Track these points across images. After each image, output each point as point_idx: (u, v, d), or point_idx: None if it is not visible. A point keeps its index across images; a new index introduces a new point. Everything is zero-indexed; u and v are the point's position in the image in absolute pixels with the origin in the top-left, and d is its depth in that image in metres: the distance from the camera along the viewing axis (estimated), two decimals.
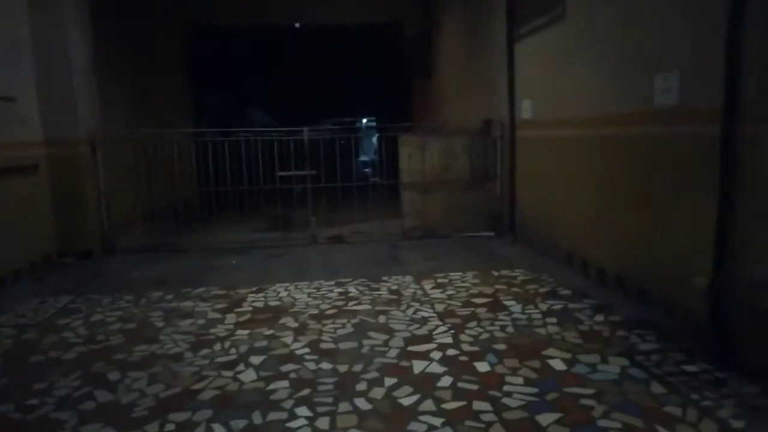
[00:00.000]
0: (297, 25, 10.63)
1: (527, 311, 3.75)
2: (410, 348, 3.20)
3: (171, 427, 2.42)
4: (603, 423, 2.33)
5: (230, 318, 3.82)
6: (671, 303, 3.44)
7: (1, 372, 3.05)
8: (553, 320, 3.56)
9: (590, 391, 2.60)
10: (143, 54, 8.57)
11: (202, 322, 3.76)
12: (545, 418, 2.38)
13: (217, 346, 3.32)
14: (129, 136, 6.57)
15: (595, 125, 4.32)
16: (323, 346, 3.28)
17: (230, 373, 2.93)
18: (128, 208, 6.51)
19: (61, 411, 2.59)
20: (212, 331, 3.58)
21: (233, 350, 3.25)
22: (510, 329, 3.44)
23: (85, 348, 3.36)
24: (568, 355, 3.01)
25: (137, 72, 8.24)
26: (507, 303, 3.94)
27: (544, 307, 3.83)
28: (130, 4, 8.11)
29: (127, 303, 4.23)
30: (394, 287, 4.45)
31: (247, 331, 3.55)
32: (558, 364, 2.91)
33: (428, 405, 2.54)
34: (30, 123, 5.42)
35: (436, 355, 3.09)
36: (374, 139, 13.48)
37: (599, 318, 3.57)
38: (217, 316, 3.88)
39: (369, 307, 3.97)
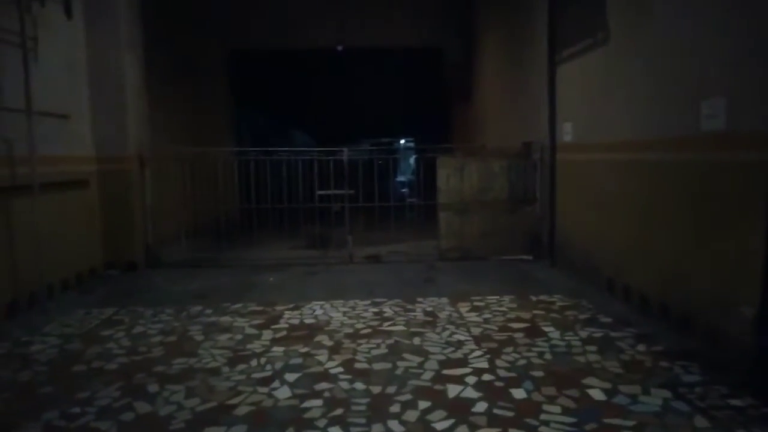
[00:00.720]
0: (339, 48, 10.83)
1: (566, 338, 3.67)
2: (445, 371, 3.17)
3: None
4: None
5: (267, 334, 3.86)
6: (717, 333, 3.32)
7: (46, 380, 3.15)
8: (593, 348, 3.47)
9: (631, 423, 2.52)
10: (190, 76, 8.88)
11: (239, 337, 3.82)
12: None
13: (254, 362, 3.36)
14: (175, 153, 6.78)
15: (638, 149, 4.25)
16: (357, 365, 3.28)
17: (265, 390, 2.96)
18: (172, 224, 6.70)
19: (101, 421, 2.66)
20: (249, 346, 3.63)
21: (269, 366, 3.28)
22: (548, 356, 3.37)
23: (127, 359, 3.45)
24: (608, 385, 2.92)
25: (184, 93, 8.53)
26: (545, 329, 3.87)
27: (583, 334, 3.74)
28: (180, 30, 8.44)
29: (168, 316, 4.33)
30: (430, 309, 4.42)
31: (282, 348, 3.58)
32: (597, 394, 2.83)
33: (462, 430, 2.50)
34: (83, 139, 5.67)
35: (471, 379, 3.05)
36: (412, 160, 13.55)
37: (641, 347, 3.47)
38: (254, 332, 3.93)
39: (404, 328, 3.96)
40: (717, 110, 3.31)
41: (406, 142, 17.31)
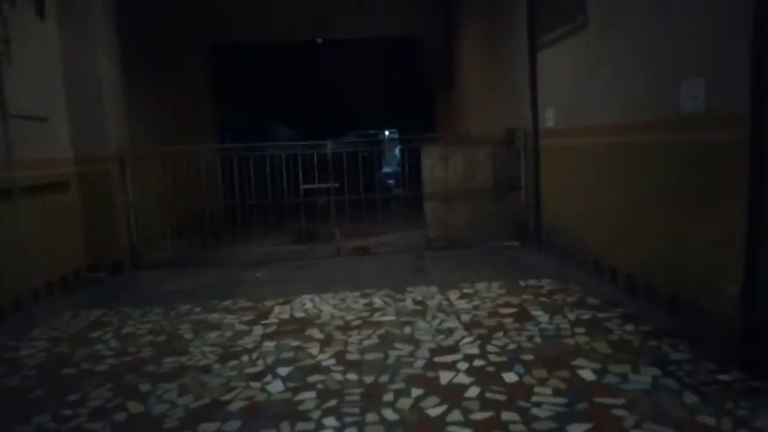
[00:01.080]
0: (319, 40, 10.77)
1: (555, 321, 3.71)
2: (436, 359, 3.19)
3: None
4: None
5: (257, 330, 3.86)
6: (703, 311, 3.37)
7: (36, 384, 3.12)
8: (582, 330, 3.51)
9: (621, 401, 2.56)
10: (170, 73, 8.77)
11: (229, 334, 3.80)
12: (575, 429, 2.35)
13: (245, 358, 3.35)
14: (156, 152, 6.71)
15: (620, 132, 4.29)
16: (349, 357, 3.29)
17: (258, 384, 2.96)
18: (156, 223, 6.63)
19: (94, 422, 2.64)
20: (239, 342, 3.62)
21: (260, 361, 3.28)
22: (538, 339, 3.40)
23: (117, 360, 3.42)
24: (597, 365, 2.96)
25: (164, 90, 8.43)
26: (534, 313, 3.90)
27: (572, 316, 3.79)
28: (158, 26, 8.33)
29: (156, 316, 4.30)
30: (419, 298, 4.44)
31: (273, 343, 3.58)
32: (588, 374, 2.87)
33: (456, 416, 2.53)
34: (61, 141, 5.58)
35: (463, 365, 3.07)
36: (397, 151, 13.54)
37: (629, 327, 3.51)
38: (244, 328, 3.92)
39: (394, 318, 3.97)
40: (696, 91, 3.34)
41: (391, 133, 17.28)
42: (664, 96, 3.66)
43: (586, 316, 3.77)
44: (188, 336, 3.80)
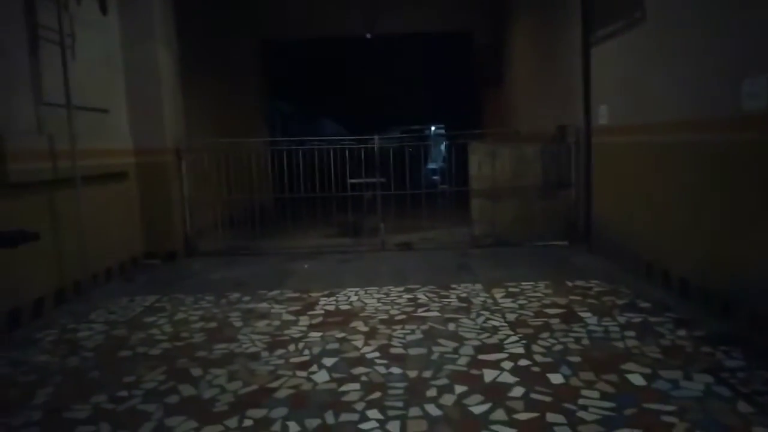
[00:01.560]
0: (368, 35, 10.81)
1: (604, 323, 3.63)
2: (480, 356, 3.17)
3: (249, 422, 2.53)
4: None
5: (303, 320, 3.93)
6: (759, 317, 3.24)
7: (94, 365, 3.27)
8: (632, 333, 3.43)
9: (671, 408, 2.49)
10: (223, 67, 8.99)
11: (277, 323, 3.89)
12: None
13: (292, 347, 3.42)
14: (210, 145, 6.90)
15: (677, 131, 4.15)
16: (393, 351, 3.32)
17: (304, 374, 3.02)
18: (209, 214, 6.83)
19: (147, 403, 2.75)
20: (287, 332, 3.70)
21: (306, 351, 3.34)
22: (585, 341, 3.34)
23: (170, 345, 3.55)
24: (648, 370, 2.89)
25: (218, 84, 8.65)
26: (582, 314, 3.83)
27: (622, 319, 3.70)
28: (213, 22, 8.55)
29: (208, 303, 4.44)
30: (464, 295, 4.42)
31: (319, 334, 3.64)
32: (637, 379, 2.80)
33: (500, 414, 2.51)
34: (121, 133, 5.82)
35: (507, 365, 3.05)
36: (443, 147, 13.47)
37: (682, 332, 3.41)
38: (291, 318, 4.00)
39: (438, 314, 3.98)
40: (759, 89, 3.21)
41: (437, 128, 17.20)
42: (724, 93, 3.52)
43: (636, 320, 3.67)
44: (238, 324, 3.91)
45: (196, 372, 3.09)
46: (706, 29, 3.77)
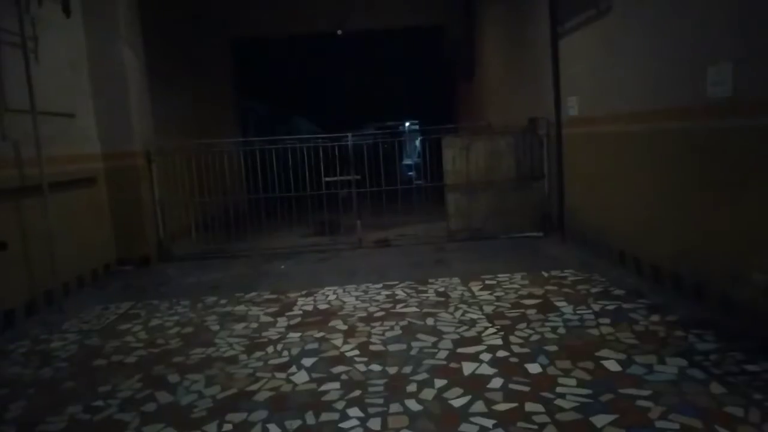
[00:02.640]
0: (339, 32, 10.76)
1: (579, 312, 3.68)
2: (459, 350, 3.19)
3: (228, 427, 2.50)
4: (661, 424, 2.27)
5: (281, 321, 3.91)
6: (730, 301, 3.32)
7: (68, 375, 3.21)
8: (607, 321, 3.48)
9: (647, 393, 2.54)
10: (192, 68, 8.86)
11: (254, 325, 3.86)
12: (600, 420, 2.34)
13: (270, 349, 3.40)
14: (181, 147, 6.80)
15: (645, 120, 4.22)
16: (372, 348, 3.32)
17: (283, 375, 3.00)
18: (182, 217, 6.74)
19: (124, 412, 2.71)
20: (265, 334, 3.67)
21: (285, 353, 3.32)
22: (561, 330, 3.39)
23: (146, 352, 3.50)
24: (623, 356, 2.94)
25: (187, 85, 8.53)
26: (558, 304, 3.88)
27: (596, 307, 3.75)
28: (180, 22, 8.42)
29: (183, 308, 4.38)
30: (441, 289, 4.44)
31: (298, 334, 3.62)
32: (612, 365, 2.85)
33: (479, 406, 2.53)
34: (88, 137, 5.70)
35: (486, 356, 3.07)
36: (417, 142, 13.50)
37: (655, 318, 3.47)
38: (269, 319, 3.97)
39: (416, 309, 3.99)
40: (723, 76, 3.27)
41: (411, 124, 17.23)
42: (690, 81, 3.59)
43: (610, 307, 3.73)
44: (215, 328, 3.86)
45: (173, 378, 3.05)
46: (671, 18, 3.83)
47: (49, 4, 4.91)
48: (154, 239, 6.24)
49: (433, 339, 3.38)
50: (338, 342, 3.44)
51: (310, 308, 4.17)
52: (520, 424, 2.36)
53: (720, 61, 3.30)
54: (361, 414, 2.54)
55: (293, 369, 3.08)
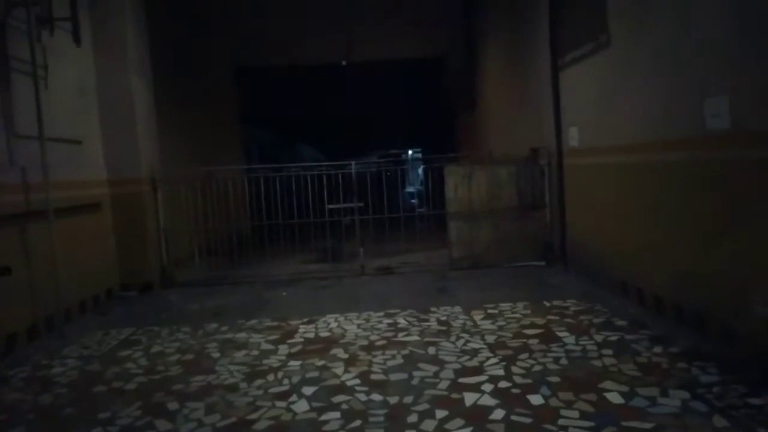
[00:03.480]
0: (343, 62, 10.93)
1: (581, 342, 3.67)
2: (461, 380, 3.18)
3: None
4: None
5: (282, 349, 3.89)
6: (733, 333, 3.31)
7: (68, 401, 3.19)
8: (609, 352, 3.47)
9: (650, 425, 2.52)
10: (198, 96, 8.99)
11: (255, 353, 3.85)
12: None
13: (271, 377, 3.38)
14: (186, 174, 6.86)
15: (645, 151, 4.26)
16: (373, 377, 3.30)
17: (284, 404, 2.98)
18: (185, 243, 6.76)
19: None
20: (265, 362, 3.66)
21: (286, 381, 3.31)
22: (564, 361, 3.37)
23: (146, 378, 3.48)
24: (625, 388, 2.92)
25: (193, 113, 8.64)
26: (560, 334, 3.87)
27: (599, 338, 3.74)
28: (186, 51, 8.57)
29: (184, 335, 4.37)
30: (443, 318, 4.43)
31: (299, 362, 3.61)
32: (615, 398, 2.83)
33: None
34: (95, 163, 5.77)
35: (488, 387, 3.05)
36: (420, 171, 13.59)
37: (657, 349, 3.46)
38: (270, 347, 3.96)
39: (418, 338, 3.97)
40: (721, 109, 3.32)
41: (414, 152, 17.37)
42: (688, 114, 3.64)
43: (613, 338, 3.72)
44: (215, 355, 3.85)
45: (173, 406, 3.04)
46: (668, 51, 3.91)
47: (60, 33, 5.02)
48: (157, 265, 6.25)
49: (434, 368, 3.37)
50: (339, 371, 3.42)
51: (311, 336, 4.16)
52: None
53: (717, 94, 3.35)
54: None
55: (294, 398, 3.06)
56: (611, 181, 4.88)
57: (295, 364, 3.59)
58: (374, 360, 3.58)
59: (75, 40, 5.26)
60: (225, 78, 10.63)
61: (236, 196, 7.15)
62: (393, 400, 2.96)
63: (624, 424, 2.55)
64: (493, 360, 3.45)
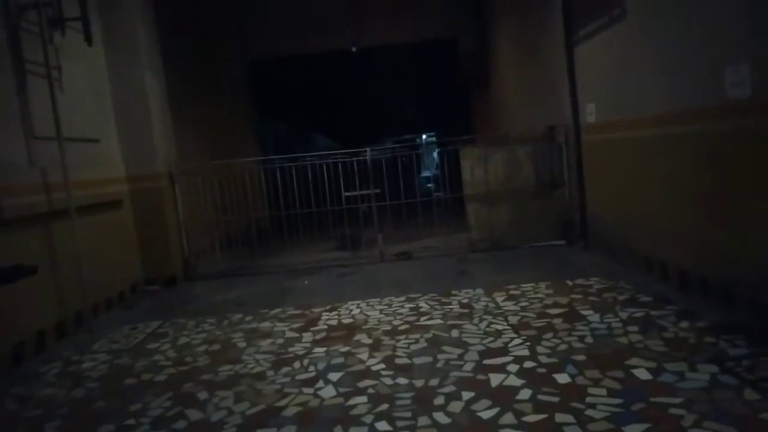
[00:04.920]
0: (354, 49, 10.88)
1: (606, 320, 3.64)
2: (486, 361, 3.18)
3: None
4: None
5: (307, 336, 3.93)
6: (760, 305, 3.26)
7: (100, 395, 3.26)
8: (635, 328, 3.44)
9: (679, 400, 2.50)
10: (211, 89, 9.03)
11: (280, 341, 3.89)
12: (632, 429, 2.30)
13: (297, 364, 3.42)
14: (203, 168, 6.91)
15: (665, 123, 4.18)
16: (398, 361, 3.32)
17: (310, 390, 3.01)
18: (206, 236, 6.83)
19: (156, 430, 2.74)
20: (291, 349, 3.69)
21: (312, 368, 3.34)
22: (589, 339, 3.35)
23: (175, 370, 3.54)
24: (653, 364, 2.89)
25: (207, 106, 8.68)
26: (584, 312, 3.84)
27: (624, 315, 3.71)
28: (198, 44, 8.59)
29: (210, 326, 4.43)
30: (465, 301, 4.43)
31: (323, 349, 3.63)
32: (643, 374, 2.81)
33: (508, 418, 2.51)
34: (113, 161, 5.83)
35: (513, 367, 3.05)
36: (435, 154, 13.52)
37: (684, 324, 3.42)
38: (295, 335, 4.00)
39: (441, 321, 3.98)
40: (741, 76, 3.25)
41: (428, 136, 17.28)
42: (709, 83, 3.56)
43: (638, 314, 3.69)
44: (241, 344, 3.90)
45: (203, 395, 3.08)
46: (686, 21, 3.81)
47: (72, 33, 5.05)
48: (180, 259, 6.33)
49: (458, 351, 3.37)
50: (364, 356, 3.45)
51: (334, 323, 4.19)
52: None
53: (737, 62, 3.27)
54: (389, 428, 2.53)
55: (320, 384, 3.09)
56: (630, 155, 4.80)
57: (320, 350, 3.62)
58: (398, 344, 3.59)
59: (86, 40, 5.28)
60: (237, 71, 10.64)
61: (254, 188, 7.19)
62: (419, 383, 2.97)
63: (652, 400, 2.53)
64: (518, 340, 3.44)
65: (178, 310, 5.04)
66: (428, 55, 13.74)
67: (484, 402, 2.68)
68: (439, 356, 3.32)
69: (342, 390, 2.98)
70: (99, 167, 5.50)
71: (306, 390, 3.02)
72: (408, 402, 2.77)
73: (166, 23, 6.67)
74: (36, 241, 4.39)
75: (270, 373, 3.33)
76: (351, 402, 2.83)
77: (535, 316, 3.88)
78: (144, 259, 6.07)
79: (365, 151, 6.67)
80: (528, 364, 3.07)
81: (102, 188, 5.46)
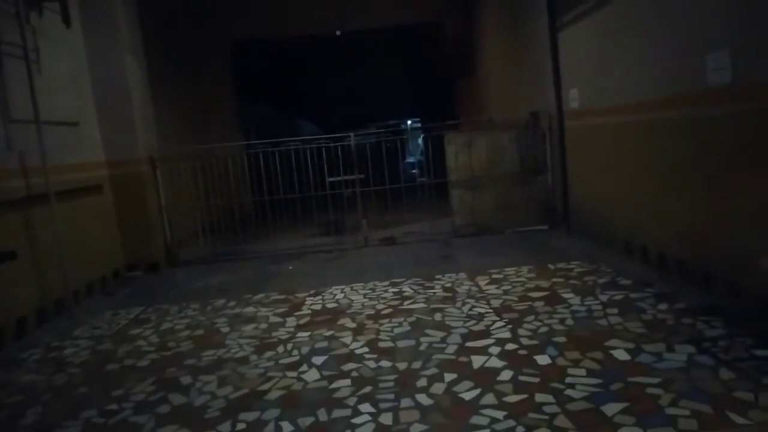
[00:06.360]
0: (338, 32, 10.77)
1: (586, 303, 3.69)
2: (468, 344, 3.21)
3: (242, 426, 2.53)
4: (671, 411, 2.28)
5: (291, 321, 3.93)
6: (737, 287, 3.32)
7: (82, 381, 3.24)
8: (614, 311, 3.49)
9: (656, 380, 2.55)
10: (193, 73, 8.91)
11: (264, 326, 3.89)
12: (611, 408, 2.35)
13: (280, 349, 3.42)
14: (184, 152, 6.83)
15: (646, 110, 4.22)
16: (382, 344, 3.34)
17: (294, 374, 3.02)
18: (188, 221, 6.78)
19: (139, 415, 2.74)
20: (274, 334, 3.70)
21: (295, 352, 3.35)
22: (569, 322, 3.40)
23: (157, 355, 3.53)
24: (631, 345, 2.95)
25: (189, 90, 8.58)
26: (565, 296, 3.89)
27: (604, 297, 3.76)
28: (179, 27, 8.46)
29: (193, 311, 4.41)
30: (448, 285, 4.46)
31: (307, 333, 3.64)
32: (621, 355, 2.86)
33: (489, 399, 2.55)
34: (93, 145, 5.74)
35: (495, 350, 3.09)
36: (420, 140, 13.51)
37: (663, 306, 3.48)
38: (278, 320, 4.00)
39: (424, 305, 4.01)
40: (722, 63, 3.28)
41: (413, 122, 17.25)
42: (690, 70, 3.59)
43: (618, 297, 3.74)
44: (225, 330, 3.89)
45: (186, 380, 3.08)
46: (667, 7, 3.83)
47: (49, 14, 4.95)
48: (162, 244, 6.28)
49: (441, 334, 3.40)
50: (347, 340, 3.46)
51: (318, 308, 4.20)
52: (531, 414, 2.37)
53: (718, 48, 3.30)
54: (372, 409, 2.56)
55: (304, 367, 3.10)
56: (612, 141, 4.84)
57: (303, 335, 3.63)
58: (381, 328, 3.61)
59: (64, 21, 5.18)
60: (220, 53, 10.48)
61: (236, 173, 7.13)
62: (402, 366, 3.00)
63: (631, 380, 2.58)
64: (499, 323, 3.48)
65: (161, 296, 5.01)
66: (413, 40, 13.66)
67: (466, 383, 2.71)
68: (422, 339, 3.34)
69: (326, 373, 2.99)
70: (78, 151, 5.40)
71: (289, 374, 3.03)
72: (391, 384, 2.79)
73: (146, 4, 6.54)
74: (15, 226, 4.32)
75: (253, 357, 3.33)
76: (334, 385, 2.84)
77: (517, 299, 3.93)
78: (126, 244, 6.00)
79: (349, 136, 6.64)
80: (509, 347, 3.11)
81: (82, 173, 5.38)
